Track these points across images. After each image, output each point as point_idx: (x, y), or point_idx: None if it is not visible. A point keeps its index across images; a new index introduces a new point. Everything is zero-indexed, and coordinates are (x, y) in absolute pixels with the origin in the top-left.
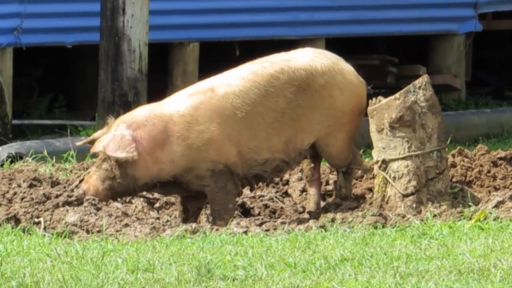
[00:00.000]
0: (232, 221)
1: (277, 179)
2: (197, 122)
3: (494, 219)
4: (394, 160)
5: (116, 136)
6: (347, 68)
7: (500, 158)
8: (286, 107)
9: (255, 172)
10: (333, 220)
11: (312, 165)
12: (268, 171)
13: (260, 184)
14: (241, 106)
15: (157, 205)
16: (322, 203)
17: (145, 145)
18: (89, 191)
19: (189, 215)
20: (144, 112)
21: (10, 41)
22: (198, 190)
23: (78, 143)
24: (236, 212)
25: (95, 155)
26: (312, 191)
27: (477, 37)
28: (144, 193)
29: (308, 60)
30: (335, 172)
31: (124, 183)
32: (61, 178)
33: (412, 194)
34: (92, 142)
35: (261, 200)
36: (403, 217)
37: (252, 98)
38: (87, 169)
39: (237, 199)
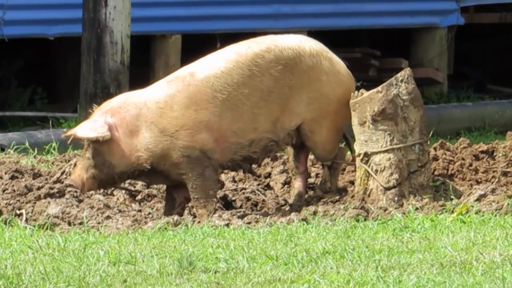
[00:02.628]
0: (214, 212)
1: (259, 172)
2: (171, 109)
3: (476, 213)
4: (376, 153)
5: (88, 121)
6: (336, 58)
7: (482, 152)
8: (273, 85)
9: (244, 155)
10: (315, 213)
11: (298, 157)
12: (257, 151)
13: (245, 176)
14: (223, 88)
15: (139, 197)
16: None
17: (120, 131)
18: (75, 181)
19: (174, 205)
20: (120, 99)
21: None
22: (177, 179)
23: (63, 135)
24: (218, 204)
25: (77, 147)
26: (297, 184)
27: (459, 30)
28: (127, 185)
29: (297, 41)
30: (317, 165)
31: (104, 171)
32: (43, 170)
33: (394, 187)
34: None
35: (243, 193)
36: (385, 210)
37: (235, 79)
38: (69, 161)
39: (219, 191)
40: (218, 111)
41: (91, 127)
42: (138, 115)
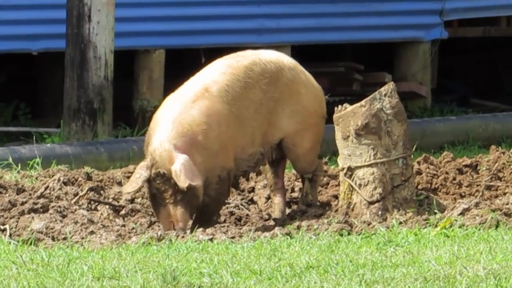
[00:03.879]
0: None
1: (242, 186)
2: (211, 128)
3: (460, 227)
4: (360, 167)
5: (183, 165)
6: (307, 72)
7: (466, 166)
8: (263, 97)
9: (243, 170)
10: (298, 227)
11: (276, 173)
12: (252, 165)
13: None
14: (232, 101)
15: (122, 212)
16: (288, 210)
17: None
18: (184, 228)
19: None
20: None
21: None
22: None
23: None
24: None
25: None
26: (276, 199)
27: (442, 44)
28: (110, 199)
29: (276, 55)
30: (300, 180)
31: (197, 204)
32: (27, 185)
33: (377, 201)
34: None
35: (227, 207)
36: (369, 224)
37: (237, 92)
38: (52, 176)
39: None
40: (236, 127)
41: (189, 172)
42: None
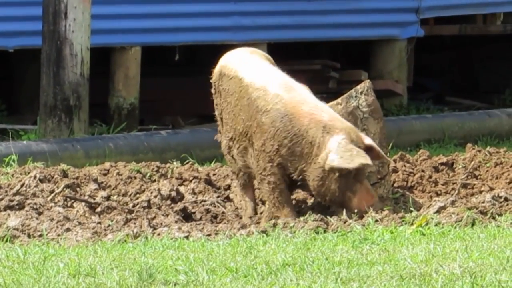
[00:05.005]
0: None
1: (218, 184)
2: None
3: (436, 225)
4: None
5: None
6: None
7: (442, 164)
8: None
9: None
10: (274, 225)
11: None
12: None
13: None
14: None
15: (98, 209)
16: (262, 208)
17: None
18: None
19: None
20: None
21: None
22: None
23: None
24: (177, 216)
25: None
26: (247, 197)
27: (419, 42)
28: (86, 197)
29: None
30: None
31: None
32: (3, 182)
33: None
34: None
35: (203, 205)
36: (345, 222)
37: None
38: (28, 173)
39: (179, 203)
40: None
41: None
42: None
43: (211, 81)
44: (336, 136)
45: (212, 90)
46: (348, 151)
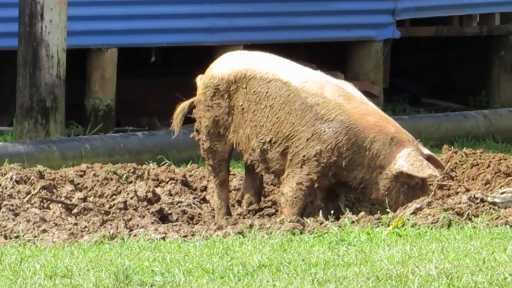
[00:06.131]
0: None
1: (195, 185)
2: None
3: (412, 226)
4: None
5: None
6: None
7: None
8: None
9: None
10: (251, 226)
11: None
12: None
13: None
14: None
15: (75, 211)
16: (241, 210)
17: None
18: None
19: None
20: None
21: None
22: None
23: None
24: (154, 218)
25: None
26: (223, 197)
27: (395, 43)
28: (63, 198)
29: None
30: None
31: None
32: None
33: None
34: None
35: (179, 206)
36: (321, 223)
37: None
38: (4, 174)
39: (155, 205)
40: None
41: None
42: None
43: (213, 84)
44: (406, 148)
45: (211, 93)
46: (418, 161)
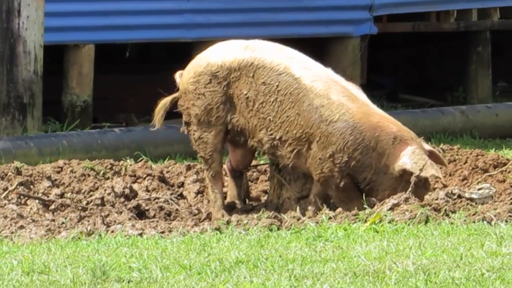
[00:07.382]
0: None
1: (172, 181)
2: None
3: (389, 222)
4: None
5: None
6: None
7: None
8: None
9: None
10: (228, 222)
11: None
12: None
13: (158, 186)
14: None
15: (52, 207)
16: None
17: None
18: None
19: None
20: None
21: None
22: None
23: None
24: (131, 214)
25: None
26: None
27: (372, 39)
28: (40, 194)
29: None
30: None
31: None
32: None
33: (307, 196)
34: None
35: (156, 202)
36: (298, 219)
37: None
38: None
39: (133, 201)
40: None
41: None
42: None
43: (210, 71)
44: (410, 146)
45: (205, 80)
46: (422, 160)
